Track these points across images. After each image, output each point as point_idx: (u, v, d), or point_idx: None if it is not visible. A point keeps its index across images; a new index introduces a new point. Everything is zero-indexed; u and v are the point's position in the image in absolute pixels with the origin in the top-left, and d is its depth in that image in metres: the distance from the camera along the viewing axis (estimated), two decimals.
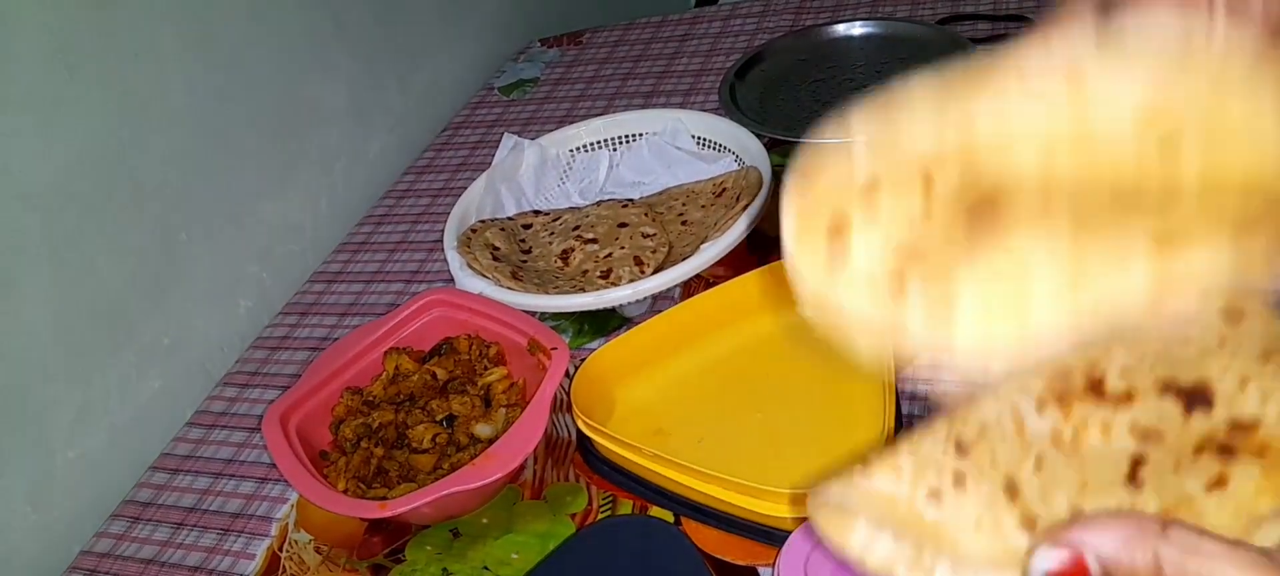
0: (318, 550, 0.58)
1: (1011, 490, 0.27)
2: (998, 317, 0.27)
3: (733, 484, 0.50)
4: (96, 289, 0.68)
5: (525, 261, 0.74)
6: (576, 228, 0.76)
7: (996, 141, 0.26)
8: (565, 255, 0.74)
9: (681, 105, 0.95)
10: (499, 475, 0.52)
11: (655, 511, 0.55)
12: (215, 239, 0.78)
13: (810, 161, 0.28)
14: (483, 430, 0.59)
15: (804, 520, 0.47)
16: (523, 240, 0.77)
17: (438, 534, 0.57)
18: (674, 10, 1.19)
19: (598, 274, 0.71)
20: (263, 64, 0.83)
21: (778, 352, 0.61)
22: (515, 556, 0.54)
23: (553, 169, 0.86)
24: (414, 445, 0.59)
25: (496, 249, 0.73)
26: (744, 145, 0.79)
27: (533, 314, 0.64)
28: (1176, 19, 0.26)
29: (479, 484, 0.51)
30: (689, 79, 1.01)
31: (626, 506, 0.56)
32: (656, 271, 0.68)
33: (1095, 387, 0.27)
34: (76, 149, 0.66)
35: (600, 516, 0.55)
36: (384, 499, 0.52)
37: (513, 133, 0.88)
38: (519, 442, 0.53)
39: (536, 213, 0.80)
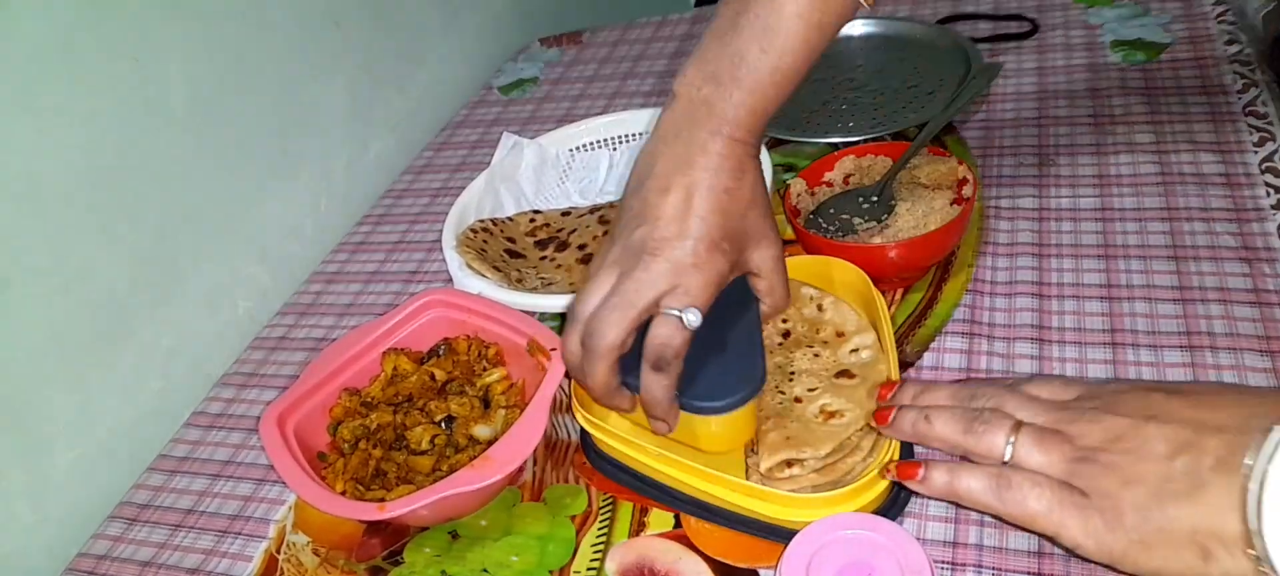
0: (315, 552, 0.58)
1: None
2: None
3: (738, 485, 0.49)
4: (96, 289, 0.68)
5: (520, 279, 0.73)
6: (564, 244, 0.75)
7: None
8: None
9: None
10: (498, 477, 0.51)
11: (656, 511, 0.54)
12: (215, 239, 0.78)
13: None
14: (482, 431, 0.59)
15: (808, 521, 0.47)
16: (518, 263, 0.76)
17: (436, 536, 0.57)
18: (674, 10, 1.19)
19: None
20: (263, 64, 0.83)
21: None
22: (514, 558, 0.54)
23: (552, 168, 0.86)
24: (412, 446, 0.59)
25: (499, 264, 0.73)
26: None
27: (532, 314, 0.64)
28: None
29: (478, 486, 0.51)
30: None
31: (627, 508, 0.55)
32: None
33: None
34: (76, 149, 0.66)
35: (600, 518, 0.55)
36: (382, 501, 0.52)
37: (512, 132, 0.88)
38: (518, 444, 0.53)
39: (534, 215, 0.80)
